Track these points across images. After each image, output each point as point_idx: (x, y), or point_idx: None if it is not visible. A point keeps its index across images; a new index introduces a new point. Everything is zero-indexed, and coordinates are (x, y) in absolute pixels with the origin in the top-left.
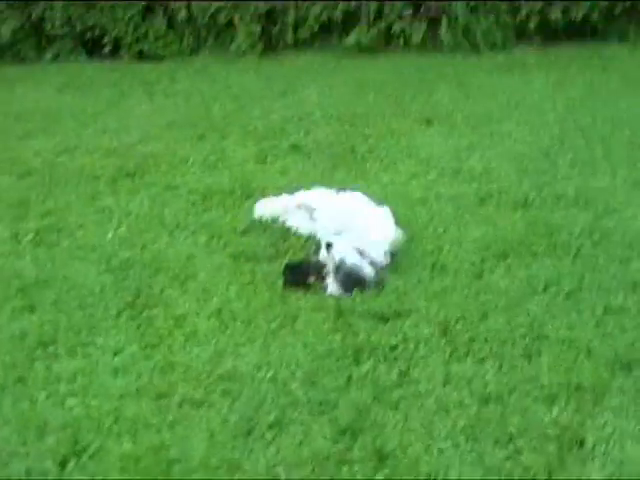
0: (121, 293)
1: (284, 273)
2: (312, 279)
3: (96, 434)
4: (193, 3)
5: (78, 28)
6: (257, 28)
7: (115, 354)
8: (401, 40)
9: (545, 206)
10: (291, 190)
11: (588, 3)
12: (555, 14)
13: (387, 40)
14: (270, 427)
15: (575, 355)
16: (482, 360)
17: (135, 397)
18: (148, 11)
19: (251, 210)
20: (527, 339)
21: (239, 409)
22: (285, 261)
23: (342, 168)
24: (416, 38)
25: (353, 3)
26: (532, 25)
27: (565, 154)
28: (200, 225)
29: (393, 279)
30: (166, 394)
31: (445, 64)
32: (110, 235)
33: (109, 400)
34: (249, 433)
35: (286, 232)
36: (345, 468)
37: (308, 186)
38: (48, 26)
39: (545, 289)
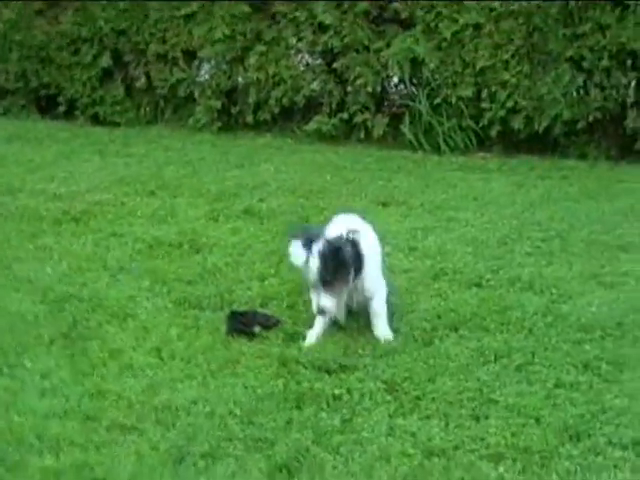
0: (56, 324)
1: (228, 320)
2: (257, 329)
3: (16, 448)
4: (153, 70)
5: (33, 84)
6: (217, 104)
7: (43, 377)
8: (362, 132)
9: (499, 287)
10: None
11: (551, 115)
12: (517, 124)
13: (348, 131)
14: (203, 457)
15: (524, 421)
16: (428, 417)
17: (61, 418)
18: (106, 75)
19: (198, 264)
20: (475, 402)
21: (171, 438)
22: (230, 310)
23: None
24: (378, 131)
25: (316, 90)
26: (494, 132)
27: (522, 243)
28: (144, 270)
29: (341, 336)
30: (94, 418)
31: (406, 158)
32: (49, 270)
33: (33, 418)
34: (180, 461)
35: (234, 284)
36: None
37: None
38: (1, 78)
39: (496, 360)
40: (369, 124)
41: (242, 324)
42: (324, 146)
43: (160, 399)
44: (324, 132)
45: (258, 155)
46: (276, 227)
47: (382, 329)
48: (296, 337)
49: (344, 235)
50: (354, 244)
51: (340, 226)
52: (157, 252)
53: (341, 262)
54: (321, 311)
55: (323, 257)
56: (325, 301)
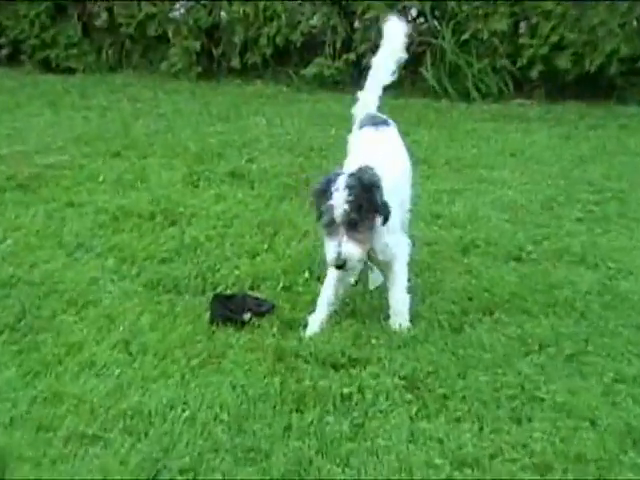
0: (0, 313)
1: (212, 305)
2: (247, 316)
3: None
4: (116, 5)
5: None
6: (195, 46)
7: None
8: None
9: (543, 261)
10: None
11: (605, 51)
12: (563, 62)
13: (356, 75)
14: (182, 472)
15: (576, 423)
16: (458, 420)
17: (7, 427)
18: (59, 11)
19: (174, 238)
20: (516, 401)
21: (143, 450)
22: (214, 293)
23: (292, 199)
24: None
25: (317, 26)
26: (534, 73)
27: (571, 208)
28: (108, 248)
29: (350, 323)
30: (49, 427)
31: (427, 107)
32: None
33: None
34: (155, 478)
35: (219, 261)
36: None
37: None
38: None
39: (540, 349)
40: None
41: (229, 310)
42: (327, 94)
43: (129, 403)
44: (326, 77)
45: (247, 106)
46: (269, 192)
47: (400, 312)
48: (295, 325)
49: (372, 168)
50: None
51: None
52: (124, 225)
53: (373, 198)
54: (340, 262)
55: (351, 189)
56: (348, 247)
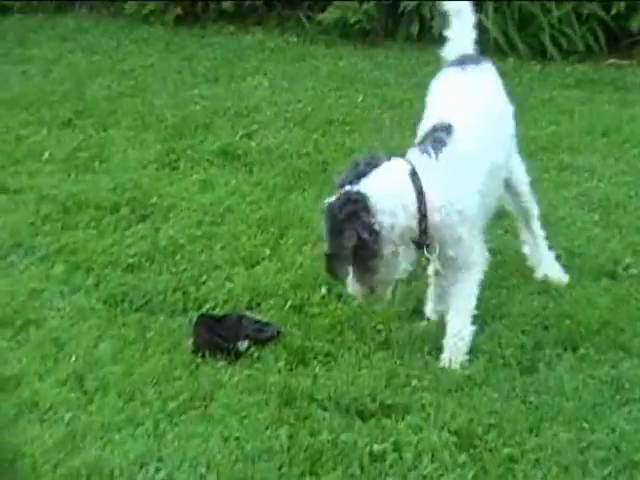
0: None
1: (196, 330)
2: (244, 344)
3: None
4: None
5: None
6: None
7: None
8: (415, 25)
9: None
10: None
11: None
12: None
13: (392, 22)
14: None
15: None
16: None
17: None
18: None
19: (145, 238)
20: (609, 467)
21: None
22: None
23: (305, 189)
24: (439, 25)
25: None
26: (635, 24)
27: None
28: (55, 250)
29: (383, 356)
30: None
31: None
32: None
33: None
34: None
35: (205, 271)
36: None
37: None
38: None
39: None
40: (426, 12)
41: (219, 336)
42: (351, 47)
43: (84, 459)
44: (351, 24)
45: (242, 62)
46: (274, 180)
47: (456, 346)
48: (308, 358)
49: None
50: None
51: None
52: (77, 219)
53: (357, 232)
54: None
55: (331, 223)
56: (351, 287)
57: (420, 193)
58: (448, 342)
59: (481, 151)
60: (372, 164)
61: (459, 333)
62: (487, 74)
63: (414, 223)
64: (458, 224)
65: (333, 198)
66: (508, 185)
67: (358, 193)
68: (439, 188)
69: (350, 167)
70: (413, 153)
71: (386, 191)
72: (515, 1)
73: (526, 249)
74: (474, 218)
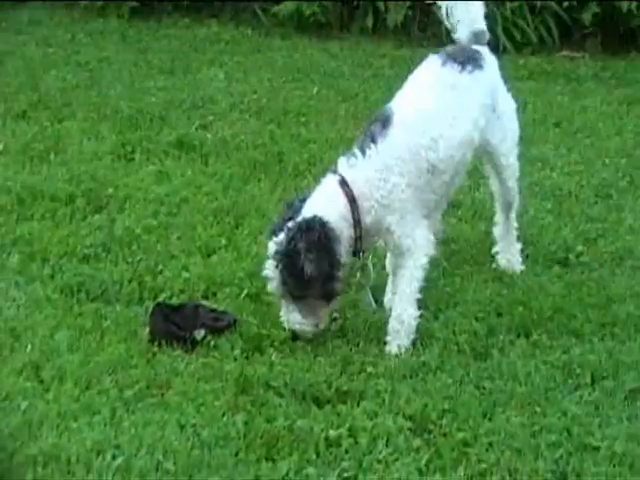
0: None
1: (152, 318)
2: (200, 333)
3: None
4: None
5: None
6: None
7: None
8: (369, 18)
9: (598, 267)
10: None
11: None
12: (626, 1)
13: (347, 15)
14: None
15: None
16: (482, 474)
17: None
18: None
19: (101, 229)
20: (560, 450)
21: None
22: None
23: (260, 180)
24: (395, 16)
25: None
26: (588, 16)
27: (635, 196)
28: (10, 241)
29: (338, 344)
30: None
31: None
32: None
33: None
34: None
35: (162, 260)
36: None
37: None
38: None
39: (593, 382)
40: (381, 4)
41: (175, 325)
42: (306, 39)
43: (41, 446)
44: (306, 16)
45: (198, 54)
46: (229, 170)
47: (399, 331)
48: (264, 345)
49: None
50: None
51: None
52: (32, 210)
53: (308, 266)
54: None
55: (278, 258)
56: (292, 318)
57: (352, 201)
58: (390, 326)
59: (423, 144)
60: (303, 198)
61: (398, 317)
62: (467, 74)
63: (352, 232)
64: (384, 216)
65: (282, 236)
66: (500, 178)
67: (309, 220)
68: (366, 189)
69: (283, 208)
70: (341, 163)
71: (327, 209)
72: None
73: (496, 232)
74: (403, 210)
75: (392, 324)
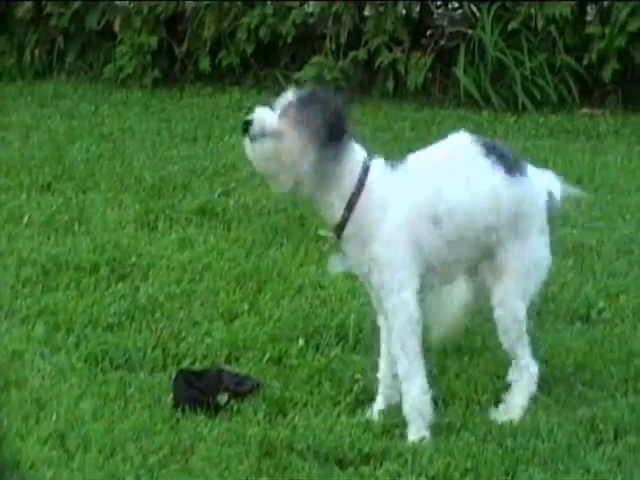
0: None
1: (176, 384)
2: (223, 398)
3: None
4: None
5: None
6: (152, 42)
7: None
8: (390, 80)
9: (620, 322)
10: None
11: None
12: None
13: (367, 78)
14: None
15: None
16: None
17: None
18: None
19: (125, 297)
20: None
21: None
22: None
23: (282, 244)
24: (416, 78)
25: (315, 14)
26: (607, 73)
27: None
28: (36, 311)
29: (361, 402)
30: None
31: (463, 120)
32: None
33: None
34: None
35: (185, 327)
36: None
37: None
38: None
39: (616, 438)
40: (401, 67)
41: (199, 391)
42: None
43: None
44: (328, 81)
45: (220, 122)
46: (252, 236)
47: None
48: (287, 409)
49: None
50: None
51: None
52: (57, 281)
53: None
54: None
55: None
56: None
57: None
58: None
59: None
60: None
61: (405, 402)
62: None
63: None
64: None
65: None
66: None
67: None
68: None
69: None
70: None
71: None
72: (488, 53)
73: None
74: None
75: (404, 411)
